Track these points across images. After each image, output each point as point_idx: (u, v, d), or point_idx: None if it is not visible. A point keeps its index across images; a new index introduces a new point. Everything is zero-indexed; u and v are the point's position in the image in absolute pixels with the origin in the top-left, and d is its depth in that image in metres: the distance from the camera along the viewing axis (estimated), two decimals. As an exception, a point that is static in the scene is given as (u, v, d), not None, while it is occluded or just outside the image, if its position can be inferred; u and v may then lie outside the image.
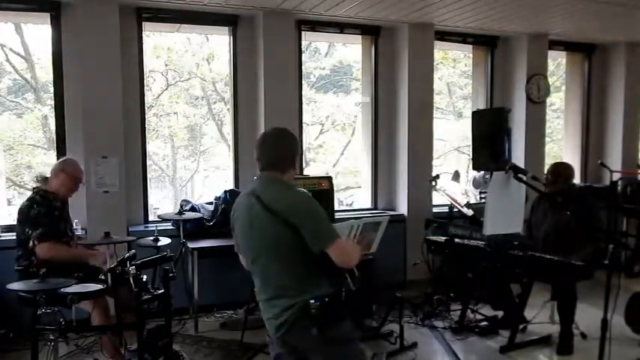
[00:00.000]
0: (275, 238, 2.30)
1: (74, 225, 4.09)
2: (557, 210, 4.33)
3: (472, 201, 5.99)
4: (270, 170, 2.39)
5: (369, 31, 5.90)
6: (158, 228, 4.47)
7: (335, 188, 5.43)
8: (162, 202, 9.44)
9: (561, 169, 4.47)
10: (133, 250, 3.44)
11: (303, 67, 5.84)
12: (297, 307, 2.30)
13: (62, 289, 2.94)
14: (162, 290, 3.32)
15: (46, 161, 7.79)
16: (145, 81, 5.19)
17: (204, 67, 9.41)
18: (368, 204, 6.13)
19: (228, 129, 8.21)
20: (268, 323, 2.45)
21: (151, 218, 5.22)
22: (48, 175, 3.78)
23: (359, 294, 2.46)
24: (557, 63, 8.91)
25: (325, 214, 2.36)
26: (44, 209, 3.55)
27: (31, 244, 3.48)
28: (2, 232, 4.56)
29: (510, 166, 3.87)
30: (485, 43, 6.49)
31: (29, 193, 3.73)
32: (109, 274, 3.14)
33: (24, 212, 3.58)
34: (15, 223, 3.69)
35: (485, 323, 4.64)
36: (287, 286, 2.34)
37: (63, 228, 3.72)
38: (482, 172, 5.81)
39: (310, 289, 2.31)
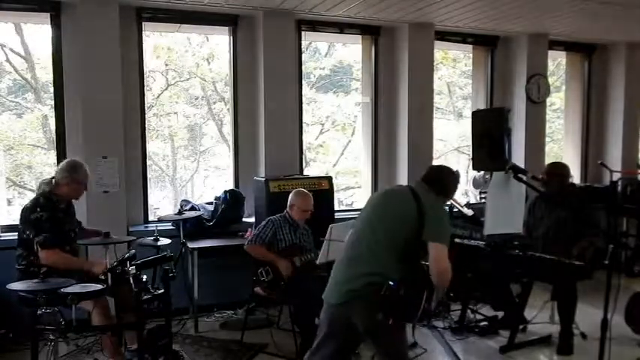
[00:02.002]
0: (405, 218, 2.63)
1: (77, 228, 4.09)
2: (554, 210, 4.34)
3: (472, 201, 5.98)
4: (430, 186, 2.82)
5: (369, 31, 5.90)
6: (158, 228, 4.47)
7: (335, 188, 5.44)
8: (162, 202, 9.43)
9: (556, 169, 4.47)
10: (133, 250, 3.44)
11: (303, 67, 5.84)
12: (373, 279, 2.51)
13: (62, 289, 2.94)
14: (163, 290, 3.31)
15: (46, 161, 7.78)
16: (145, 81, 5.19)
17: (204, 67, 9.40)
18: (368, 204, 6.12)
19: (228, 129, 8.20)
20: (335, 287, 2.66)
21: (151, 218, 5.22)
22: (52, 175, 3.74)
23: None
24: (557, 63, 8.90)
25: (450, 230, 2.81)
26: (47, 214, 3.53)
27: (35, 247, 3.48)
28: (2, 232, 4.55)
29: (510, 166, 3.87)
30: (485, 43, 6.49)
31: (29, 193, 3.73)
32: (109, 274, 3.14)
33: (26, 214, 3.57)
34: (17, 222, 3.69)
35: (485, 323, 4.64)
36: (383, 258, 2.58)
37: (67, 229, 3.71)
38: (482, 172, 5.80)
39: (394, 274, 2.51)
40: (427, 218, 2.60)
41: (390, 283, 2.46)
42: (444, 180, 2.92)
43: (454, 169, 3.11)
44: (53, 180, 3.70)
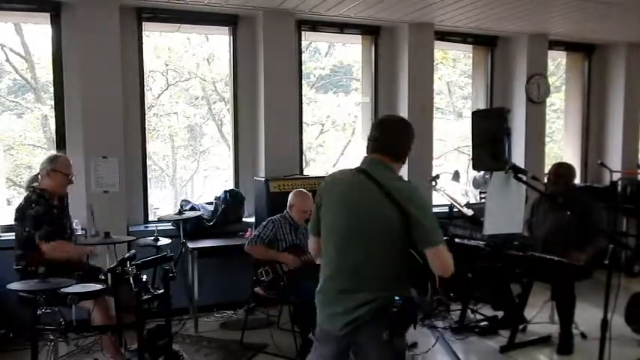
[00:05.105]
0: (384, 221, 2.15)
1: (74, 224, 4.09)
2: (558, 210, 4.34)
3: (472, 201, 5.98)
4: (384, 155, 2.27)
5: (369, 31, 5.90)
6: (158, 228, 4.48)
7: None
8: (162, 202, 9.44)
9: (562, 170, 4.47)
10: (133, 250, 3.44)
11: (303, 67, 5.84)
12: (378, 303, 2.15)
13: (62, 289, 2.94)
14: (162, 290, 3.31)
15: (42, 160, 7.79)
16: (145, 81, 5.19)
17: (204, 67, 9.41)
18: (368, 204, 6.11)
19: (228, 129, 8.20)
20: (333, 319, 2.26)
21: (151, 218, 5.21)
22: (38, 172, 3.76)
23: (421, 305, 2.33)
24: (557, 63, 8.90)
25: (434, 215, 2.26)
26: (42, 208, 3.54)
27: (37, 241, 3.48)
28: (2, 232, 4.56)
29: (510, 166, 3.87)
30: (485, 43, 6.49)
31: (26, 194, 3.71)
32: (109, 274, 3.14)
33: (22, 212, 3.57)
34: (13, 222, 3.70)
35: (485, 323, 4.64)
36: (377, 277, 2.19)
37: (62, 226, 3.71)
38: (482, 172, 5.80)
39: (397, 287, 2.19)
40: (413, 219, 2.11)
41: (397, 298, 2.14)
42: (404, 141, 2.31)
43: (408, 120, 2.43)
44: (38, 175, 3.72)
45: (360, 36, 5.97)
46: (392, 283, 2.20)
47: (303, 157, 5.93)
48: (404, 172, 5.82)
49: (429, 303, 2.38)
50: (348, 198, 2.27)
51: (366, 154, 2.34)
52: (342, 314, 2.22)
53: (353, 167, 2.33)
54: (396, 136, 2.30)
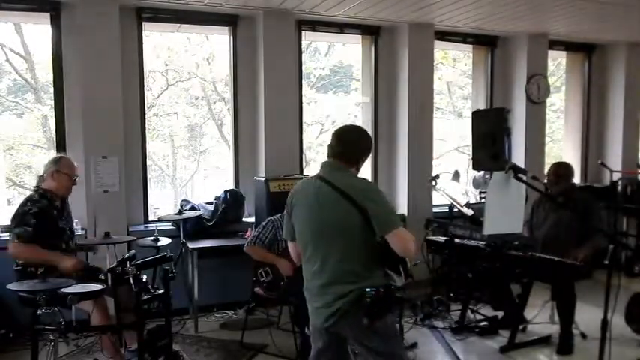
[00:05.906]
0: (345, 220, 2.39)
1: (75, 225, 4.09)
2: (558, 210, 4.34)
3: (472, 201, 5.98)
4: (337, 160, 2.53)
5: (369, 31, 5.90)
6: (158, 228, 4.49)
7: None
8: (162, 202, 9.45)
9: (562, 170, 4.48)
10: (133, 250, 3.44)
11: (303, 67, 5.84)
12: (354, 295, 2.37)
13: (62, 289, 2.94)
14: (162, 290, 3.31)
15: (46, 161, 7.78)
16: (145, 81, 5.18)
17: (204, 67, 9.42)
18: (368, 204, 6.10)
19: (228, 129, 8.21)
20: (317, 312, 2.52)
21: (151, 218, 5.21)
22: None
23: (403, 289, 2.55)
24: (557, 63, 8.90)
25: (389, 202, 2.53)
26: (36, 209, 3.51)
27: (9, 239, 3.45)
28: (2, 232, 4.56)
29: (510, 166, 3.87)
30: (485, 43, 6.49)
31: (29, 193, 3.71)
32: (109, 274, 3.14)
33: (17, 209, 3.57)
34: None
35: (485, 323, 4.64)
36: (348, 271, 2.41)
37: (62, 226, 3.70)
38: (482, 172, 5.80)
39: (368, 278, 2.40)
40: (370, 211, 2.35)
41: (367, 289, 2.36)
42: (357, 147, 2.57)
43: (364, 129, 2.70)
44: (43, 176, 3.71)
45: (360, 36, 5.97)
46: (364, 276, 2.41)
47: (303, 157, 5.93)
48: (404, 172, 5.85)
49: (414, 288, 2.59)
50: (312, 205, 2.51)
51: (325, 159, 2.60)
52: (323, 307, 2.47)
53: (313, 175, 2.59)
54: (351, 145, 2.56)
